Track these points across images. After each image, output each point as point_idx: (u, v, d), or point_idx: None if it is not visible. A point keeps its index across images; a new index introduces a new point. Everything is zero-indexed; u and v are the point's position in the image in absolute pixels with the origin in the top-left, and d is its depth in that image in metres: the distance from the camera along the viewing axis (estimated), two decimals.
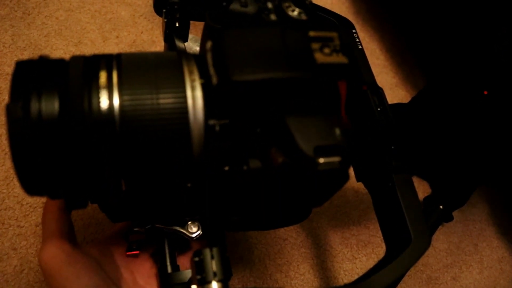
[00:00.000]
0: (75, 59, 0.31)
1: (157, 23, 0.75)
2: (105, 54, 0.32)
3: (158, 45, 0.73)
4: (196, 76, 0.31)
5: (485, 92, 0.58)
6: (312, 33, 0.32)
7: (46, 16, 0.69)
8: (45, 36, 0.67)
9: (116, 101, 0.29)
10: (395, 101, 0.82)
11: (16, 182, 0.54)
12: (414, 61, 0.91)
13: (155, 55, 0.33)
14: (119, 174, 0.30)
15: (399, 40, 0.93)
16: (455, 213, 0.71)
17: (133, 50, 0.72)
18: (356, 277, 0.64)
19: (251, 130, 0.31)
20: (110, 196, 0.33)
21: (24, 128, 0.28)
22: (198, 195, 0.37)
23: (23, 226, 0.53)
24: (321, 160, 0.30)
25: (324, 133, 0.30)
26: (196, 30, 0.63)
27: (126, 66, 0.31)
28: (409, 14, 0.87)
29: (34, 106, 0.28)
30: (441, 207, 0.70)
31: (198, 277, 0.35)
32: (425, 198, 0.74)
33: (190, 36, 0.51)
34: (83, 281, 0.38)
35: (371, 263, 0.66)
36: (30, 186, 0.30)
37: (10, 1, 0.68)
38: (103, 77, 0.30)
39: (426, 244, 0.39)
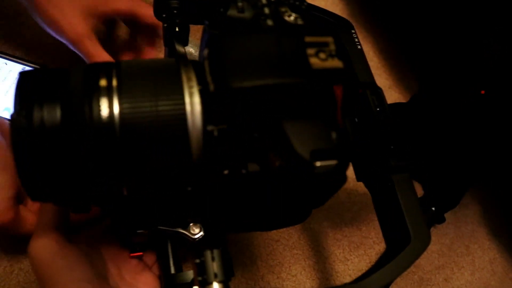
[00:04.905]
0: (76, 68, 0.32)
1: None
2: (105, 62, 0.33)
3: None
4: (194, 83, 0.32)
5: (482, 92, 0.59)
6: (307, 39, 0.33)
7: None
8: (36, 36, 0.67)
9: (116, 109, 0.30)
10: (388, 103, 0.83)
11: None
12: (407, 63, 0.92)
13: (154, 62, 0.34)
14: (121, 180, 0.31)
15: (392, 43, 0.94)
16: (447, 215, 0.72)
17: None
18: (348, 278, 0.64)
19: (248, 135, 0.32)
20: (112, 201, 0.34)
21: (27, 137, 0.29)
22: (199, 198, 0.38)
23: None
24: (318, 164, 0.30)
25: (321, 137, 0.31)
26: (197, 35, 0.63)
27: (125, 73, 0.32)
28: (402, 16, 0.88)
29: (36, 115, 0.29)
30: (433, 208, 0.71)
31: (200, 278, 0.36)
32: None
33: (189, 40, 0.51)
34: (76, 274, 0.38)
35: (363, 264, 0.67)
36: (34, 192, 0.31)
37: None
38: (103, 84, 0.31)
39: (426, 242, 0.40)
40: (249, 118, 0.31)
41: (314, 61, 0.32)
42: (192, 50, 0.68)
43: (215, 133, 0.31)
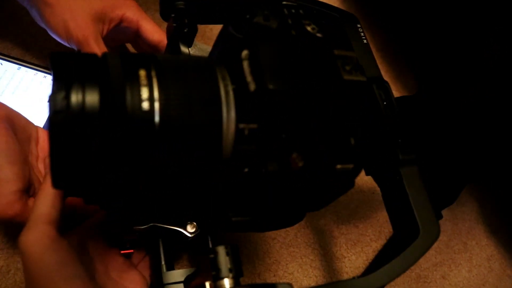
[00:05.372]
0: (111, 54, 0.32)
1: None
2: (140, 53, 0.33)
3: None
4: (229, 82, 0.33)
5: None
6: (336, 51, 0.35)
7: None
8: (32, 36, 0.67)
9: (157, 100, 0.30)
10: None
11: None
12: (404, 60, 0.94)
13: (189, 58, 0.37)
14: (152, 170, 0.32)
15: (389, 40, 0.96)
16: (444, 212, 0.73)
17: None
18: (345, 276, 0.65)
19: (277, 135, 0.33)
20: (126, 193, 0.34)
21: (66, 119, 0.29)
22: (203, 196, 0.40)
23: (9, 226, 0.52)
24: (338, 166, 0.33)
25: (342, 142, 0.33)
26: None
27: (164, 66, 0.32)
28: (400, 14, 0.89)
29: (76, 97, 0.29)
30: None
31: (213, 273, 0.37)
32: None
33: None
34: (68, 270, 0.39)
35: (360, 262, 0.68)
36: (60, 179, 0.31)
37: None
38: (143, 74, 0.31)
39: (435, 235, 0.42)
40: (280, 119, 0.33)
41: (343, 72, 0.34)
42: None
43: (246, 132, 0.33)
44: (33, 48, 0.66)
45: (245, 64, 0.33)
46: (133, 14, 0.58)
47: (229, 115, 0.32)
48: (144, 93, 0.30)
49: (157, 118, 0.30)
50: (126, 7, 0.58)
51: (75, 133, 0.29)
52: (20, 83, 0.59)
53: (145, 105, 0.30)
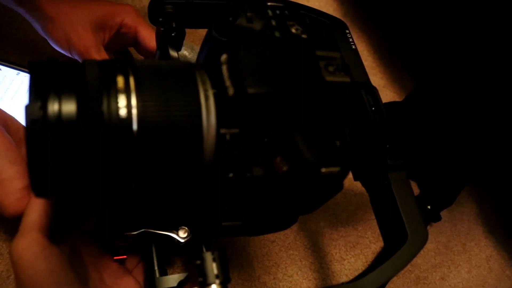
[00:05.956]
0: (89, 62, 0.32)
1: None
2: (118, 59, 0.33)
3: None
4: (209, 86, 0.33)
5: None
6: (318, 52, 0.35)
7: None
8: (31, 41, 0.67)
9: (135, 108, 0.30)
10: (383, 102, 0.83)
11: None
12: (402, 62, 0.94)
13: (168, 63, 0.35)
14: (132, 179, 0.32)
15: (386, 42, 0.96)
16: (443, 213, 0.73)
17: None
18: (344, 278, 0.65)
19: (259, 139, 0.33)
20: (118, 199, 0.34)
21: (42, 129, 0.29)
22: (197, 200, 0.39)
23: (10, 233, 0.53)
24: (323, 170, 0.32)
25: (327, 144, 0.33)
26: (190, 37, 0.63)
27: (142, 72, 0.32)
28: (397, 16, 0.89)
29: (53, 106, 0.29)
30: (429, 207, 0.71)
31: (200, 279, 0.37)
32: None
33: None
34: (59, 277, 0.39)
35: (359, 264, 0.68)
36: (41, 188, 0.31)
37: None
38: (120, 81, 0.31)
39: (423, 240, 0.41)
40: (262, 124, 0.33)
41: (325, 73, 0.34)
42: (185, 52, 0.68)
43: (227, 137, 0.33)
44: (32, 53, 0.65)
45: (224, 68, 0.33)
46: (131, 20, 0.59)
47: (209, 120, 0.32)
48: (122, 100, 0.30)
49: (135, 125, 0.30)
50: (125, 13, 0.59)
51: (52, 142, 0.29)
52: (19, 88, 0.60)
53: (123, 112, 0.30)
